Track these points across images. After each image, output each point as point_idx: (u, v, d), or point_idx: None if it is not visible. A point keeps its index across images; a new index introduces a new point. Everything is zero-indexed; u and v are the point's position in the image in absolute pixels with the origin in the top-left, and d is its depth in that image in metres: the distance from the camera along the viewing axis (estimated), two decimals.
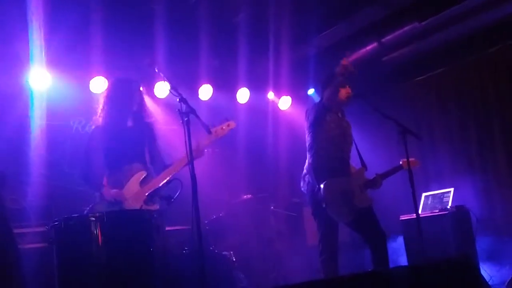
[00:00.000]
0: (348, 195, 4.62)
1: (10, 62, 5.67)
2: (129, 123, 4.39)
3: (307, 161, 4.85)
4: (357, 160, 4.93)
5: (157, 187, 4.12)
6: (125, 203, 4.08)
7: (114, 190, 4.11)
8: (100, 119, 4.38)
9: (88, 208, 4.17)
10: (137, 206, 4.06)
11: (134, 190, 4.13)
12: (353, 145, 4.95)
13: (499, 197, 6.68)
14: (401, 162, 4.99)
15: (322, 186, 4.56)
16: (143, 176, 4.21)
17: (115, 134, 4.28)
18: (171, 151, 4.68)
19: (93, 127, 4.48)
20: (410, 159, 4.74)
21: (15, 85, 5.75)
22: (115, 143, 4.25)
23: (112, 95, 4.38)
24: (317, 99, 7.46)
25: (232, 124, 4.28)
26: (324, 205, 4.56)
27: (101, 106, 4.40)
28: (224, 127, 4.25)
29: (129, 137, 4.30)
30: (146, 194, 4.06)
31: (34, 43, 5.44)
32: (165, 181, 4.12)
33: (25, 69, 5.71)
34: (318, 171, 4.69)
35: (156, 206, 4.10)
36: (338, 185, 4.62)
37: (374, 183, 4.82)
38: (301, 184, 4.85)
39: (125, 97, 4.34)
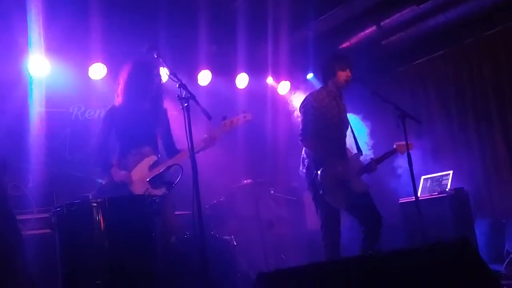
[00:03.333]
0: (344, 181, 4.65)
1: (9, 49, 5.64)
2: (146, 106, 4.39)
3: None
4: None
5: (160, 171, 4.16)
6: (131, 186, 4.13)
7: (123, 172, 4.17)
8: (119, 99, 4.38)
9: (95, 190, 4.22)
10: (143, 189, 4.09)
11: (142, 174, 4.19)
12: (349, 128, 4.97)
13: (497, 179, 6.73)
14: (394, 146, 4.96)
15: (319, 172, 4.59)
16: (153, 161, 4.25)
17: (130, 116, 4.29)
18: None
19: (109, 106, 4.48)
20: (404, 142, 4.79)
21: (14, 72, 5.73)
22: (128, 124, 4.27)
23: (132, 76, 4.36)
24: (316, 83, 7.47)
25: (249, 116, 4.41)
26: (321, 192, 4.60)
27: (120, 87, 4.39)
28: (240, 118, 4.38)
29: (142, 120, 4.31)
30: (148, 179, 4.08)
31: (33, 30, 5.41)
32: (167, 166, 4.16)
33: (23, 56, 5.68)
34: (317, 157, 4.71)
35: (162, 191, 4.11)
36: (335, 171, 4.63)
37: (369, 168, 4.84)
38: (300, 168, 4.86)
39: (145, 80, 4.34)
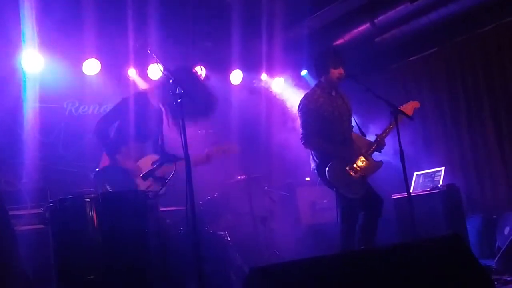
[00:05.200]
0: (354, 170, 4.67)
1: (2, 45, 5.63)
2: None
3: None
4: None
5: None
6: (137, 178, 4.16)
7: (133, 162, 4.19)
8: (144, 94, 4.45)
9: (97, 170, 4.24)
10: (147, 183, 4.14)
11: (146, 169, 4.19)
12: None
13: (489, 176, 6.78)
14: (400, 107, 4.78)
15: (327, 170, 4.63)
16: (155, 159, 4.29)
17: (147, 112, 4.36)
18: (164, 133, 4.70)
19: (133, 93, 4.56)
20: (410, 102, 4.90)
21: (8, 67, 5.72)
22: (140, 119, 4.32)
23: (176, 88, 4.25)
24: (310, 80, 7.49)
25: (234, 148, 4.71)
26: (334, 189, 4.67)
27: (159, 91, 4.44)
28: (231, 147, 4.66)
29: (154, 119, 4.39)
30: (141, 175, 4.09)
31: (26, 25, 5.40)
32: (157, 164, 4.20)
33: (17, 52, 5.67)
34: (322, 155, 4.76)
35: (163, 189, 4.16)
36: (342, 164, 4.67)
37: (378, 145, 4.82)
38: (311, 165, 4.89)
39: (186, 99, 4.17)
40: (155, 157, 4.32)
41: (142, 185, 4.17)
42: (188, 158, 3.55)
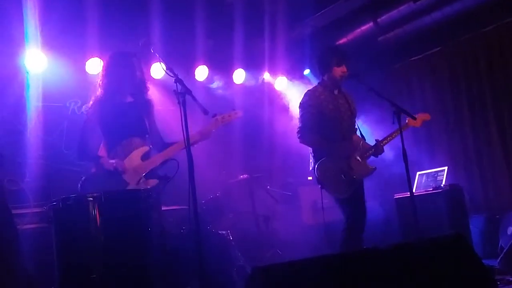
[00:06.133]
0: (344, 170, 4.67)
1: (5, 44, 5.63)
2: (129, 99, 4.34)
3: None
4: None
5: (157, 164, 4.15)
6: (125, 174, 4.07)
7: (115, 160, 4.07)
8: (99, 94, 4.31)
9: (83, 178, 4.14)
10: (136, 179, 4.07)
11: (134, 163, 4.13)
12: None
13: (492, 176, 6.77)
14: (407, 121, 4.87)
15: (316, 167, 4.63)
16: (145, 151, 4.21)
17: (114, 108, 4.23)
18: (168, 132, 4.70)
19: (90, 102, 4.38)
20: (420, 114, 4.98)
21: (11, 67, 5.72)
22: (114, 117, 4.20)
23: (112, 69, 4.31)
24: (312, 79, 7.49)
25: (239, 113, 4.49)
26: (320, 186, 4.64)
27: (99, 81, 4.34)
28: (231, 115, 4.44)
29: (128, 112, 4.26)
30: (144, 174, 4.07)
31: (29, 25, 5.41)
32: (163, 160, 4.16)
33: (20, 51, 5.68)
34: (316, 152, 4.76)
35: (154, 181, 4.11)
36: (334, 162, 4.66)
37: (375, 150, 4.80)
38: (311, 164, 4.88)
39: (126, 72, 4.28)
40: (145, 149, 4.22)
41: (131, 182, 4.11)
42: (191, 158, 3.54)
